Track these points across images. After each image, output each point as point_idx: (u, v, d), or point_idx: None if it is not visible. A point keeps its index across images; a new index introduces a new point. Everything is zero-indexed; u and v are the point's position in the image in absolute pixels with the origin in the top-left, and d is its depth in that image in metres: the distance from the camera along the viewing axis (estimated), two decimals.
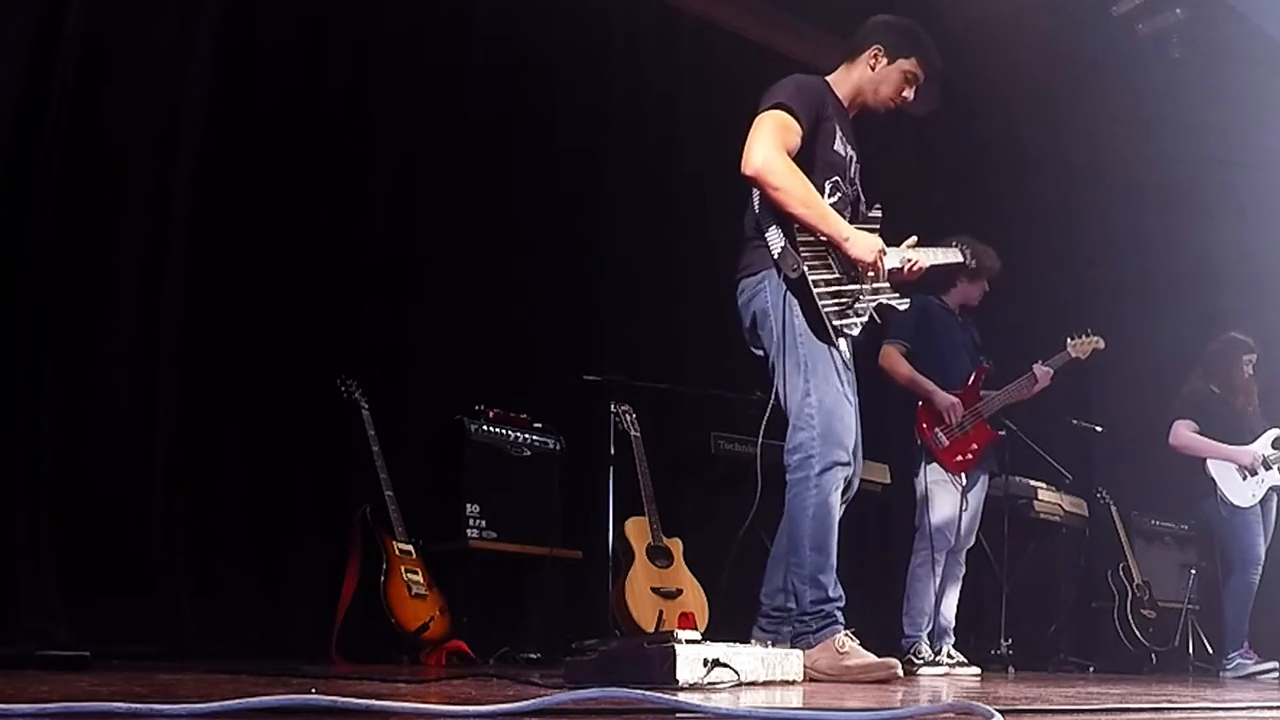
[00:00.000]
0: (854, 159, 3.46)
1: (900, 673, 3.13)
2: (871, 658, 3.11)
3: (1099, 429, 6.23)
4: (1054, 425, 5.95)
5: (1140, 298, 6.84)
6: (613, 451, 4.69)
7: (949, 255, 3.82)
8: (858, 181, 3.49)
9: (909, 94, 3.50)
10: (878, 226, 3.38)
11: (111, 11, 3.90)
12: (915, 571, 4.74)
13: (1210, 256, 6.70)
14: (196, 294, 4.14)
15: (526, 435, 4.63)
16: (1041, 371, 4.92)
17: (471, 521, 4.34)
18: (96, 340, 3.86)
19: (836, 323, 3.18)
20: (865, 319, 3.26)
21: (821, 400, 3.18)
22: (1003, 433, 4.96)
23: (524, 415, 4.66)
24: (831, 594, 3.20)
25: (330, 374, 4.34)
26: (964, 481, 4.78)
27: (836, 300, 3.20)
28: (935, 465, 4.76)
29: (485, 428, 4.51)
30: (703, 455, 5.02)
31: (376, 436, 4.23)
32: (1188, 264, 6.81)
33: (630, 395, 4.83)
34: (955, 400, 4.75)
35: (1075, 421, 6.16)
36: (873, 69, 3.48)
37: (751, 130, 3.21)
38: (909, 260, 3.42)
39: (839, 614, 3.21)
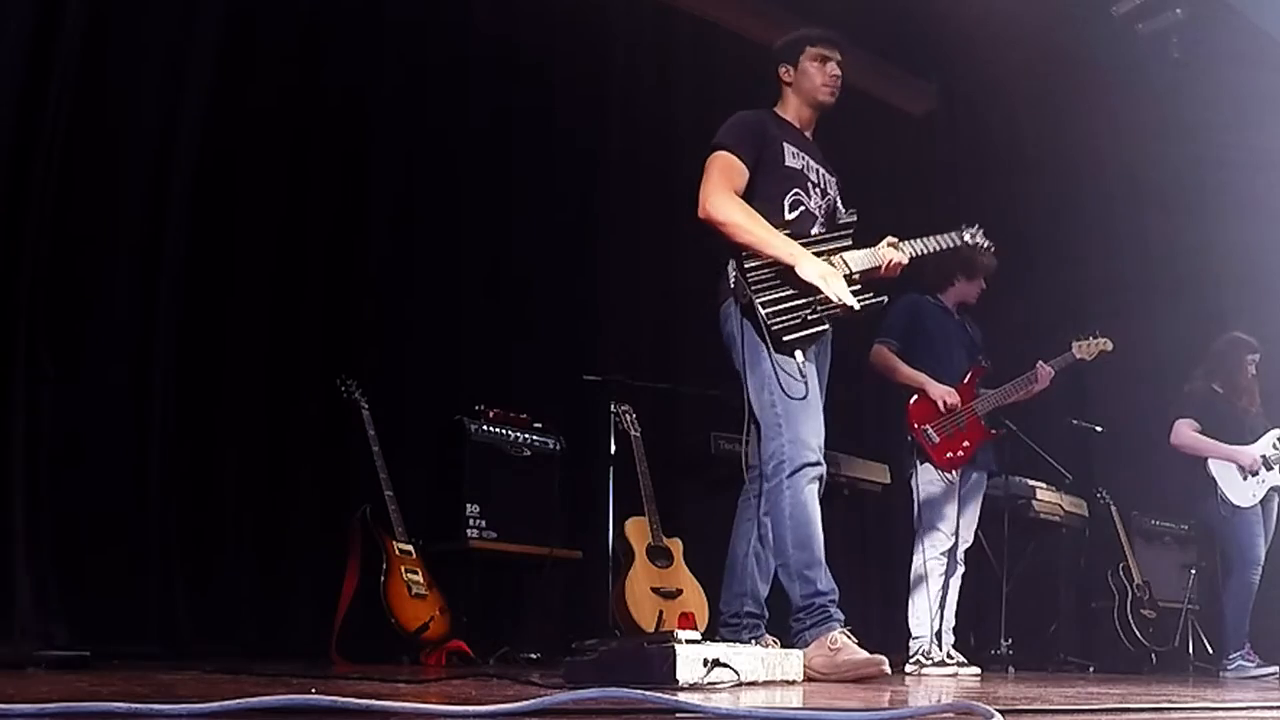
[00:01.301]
0: (819, 170, 3.68)
1: (888, 669, 3.16)
2: (861, 655, 3.15)
3: (1099, 429, 6.23)
4: (1054, 425, 5.94)
5: (1140, 297, 6.83)
6: (613, 451, 4.69)
7: (942, 242, 3.86)
8: (831, 190, 3.71)
9: (833, 69, 3.73)
10: (850, 230, 3.59)
11: (111, 11, 3.90)
12: (917, 571, 4.74)
13: (1211, 256, 6.69)
14: (196, 294, 4.14)
15: (526, 435, 4.63)
16: (1044, 371, 4.91)
17: (471, 521, 4.34)
18: (96, 340, 3.86)
19: (788, 337, 3.37)
20: (823, 328, 3.44)
21: (786, 408, 3.38)
22: (997, 431, 4.95)
23: (524, 415, 4.66)
24: (821, 588, 3.29)
25: (330, 374, 4.34)
26: (956, 479, 4.78)
27: (787, 317, 3.38)
28: (929, 464, 4.75)
29: (485, 428, 4.51)
30: (703, 455, 5.02)
31: (376, 436, 4.23)
32: (1188, 264, 6.81)
33: (630, 395, 4.83)
34: (950, 389, 4.74)
35: (1075, 421, 6.16)
36: (791, 81, 3.75)
37: (703, 176, 3.49)
38: (881, 260, 3.59)
39: (832, 608, 3.29)
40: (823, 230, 3.59)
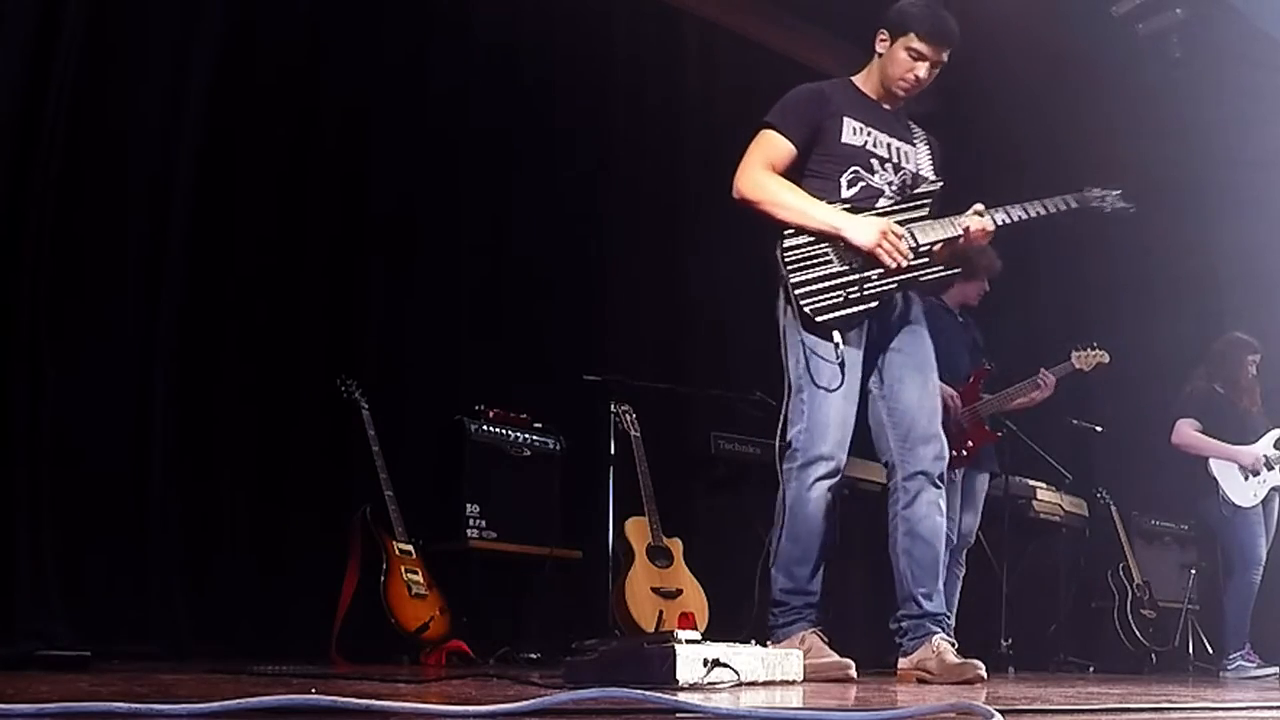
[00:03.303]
0: (892, 143, 3.44)
1: (854, 674, 3.13)
2: (828, 658, 3.13)
3: (1099, 429, 6.23)
4: (1054, 425, 5.95)
5: (1140, 298, 6.84)
6: (613, 451, 4.69)
7: (1056, 204, 3.45)
8: (910, 162, 3.46)
9: (920, 71, 3.41)
10: (928, 200, 3.36)
11: (112, 11, 3.90)
12: None
13: (1210, 256, 6.70)
14: (197, 294, 4.14)
15: (526, 435, 4.63)
16: (1047, 379, 4.92)
17: (471, 521, 4.34)
18: (97, 340, 3.85)
19: (821, 318, 3.22)
20: (869, 306, 3.25)
21: (811, 396, 3.25)
22: (1001, 434, 4.96)
23: (524, 415, 4.66)
24: (806, 586, 3.26)
25: (330, 374, 4.34)
26: (959, 479, 4.78)
27: (824, 296, 3.23)
28: None
29: (485, 428, 4.51)
30: (703, 455, 5.02)
31: (376, 436, 4.23)
32: (1188, 264, 6.82)
33: (630, 395, 4.83)
34: (954, 392, 4.74)
35: (1075, 421, 6.16)
36: (880, 55, 3.47)
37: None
38: (960, 229, 3.33)
39: (810, 610, 3.26)
40: (892, 205, 3.36)
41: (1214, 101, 6.13)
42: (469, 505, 4.36)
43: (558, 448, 4.72)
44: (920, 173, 3.48)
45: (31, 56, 3.48)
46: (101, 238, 3.91)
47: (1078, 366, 4.99)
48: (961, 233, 3.34)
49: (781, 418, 3.33)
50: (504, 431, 4.56)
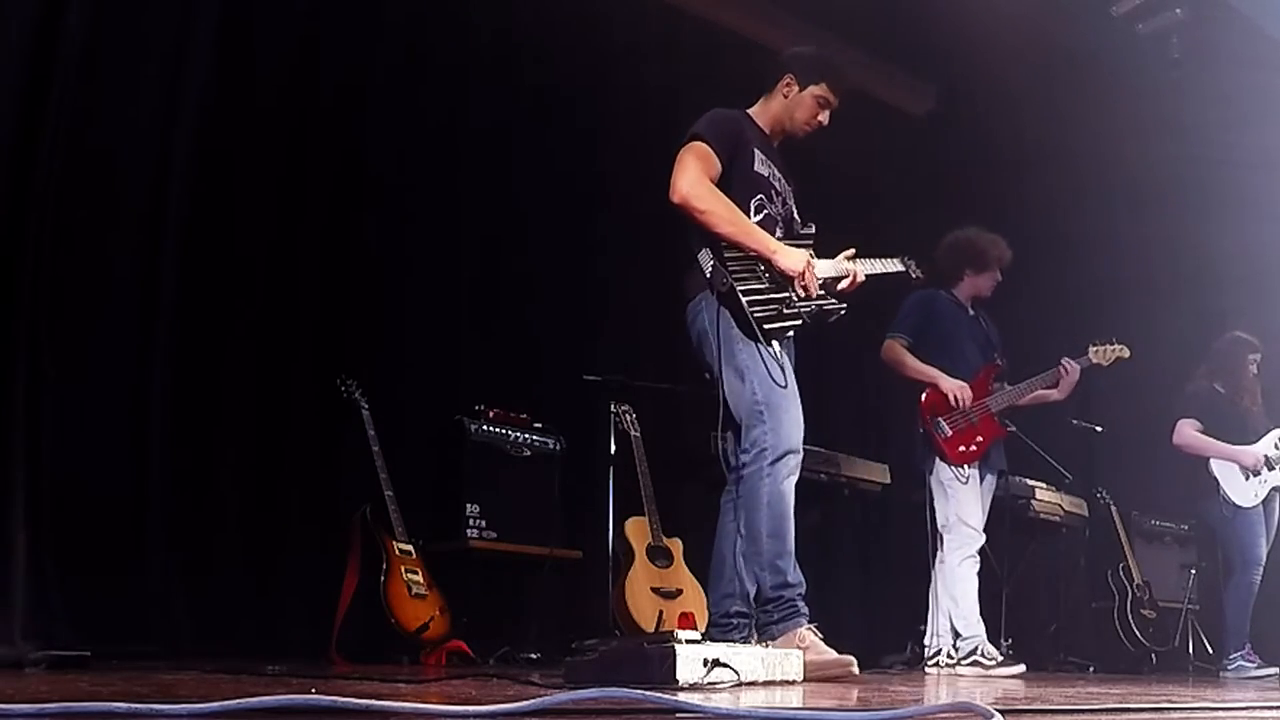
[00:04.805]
0: (780, 179, 3.68)
1: (856, 670, 3.15)
2: (830, 655, 3.15)
3: (1099, 429, 6.22)
4: (1054, 425, 5.94)
5: (1141, 297, 6.83)
6: (613, 451, 4.69)
7: (888, 266, 3.88)
8: (790, 201, 3.71)
9: (823, 118, 3.72)
10: (810, 243, 3.59)
11: (111, 11, 3.90)
12: (956, 572, 4.68)
13: (1211, 256, 6.69)
14: (196, 294, 4.14)
15: (526, 435, 4.63)
16: (1071, 367, 4.89)
17: (471, 521, 4.34)
18: (96, 340, 3.86)
19: (768, 326, 3.38)
20: (799, 322, 3.44)
21: (767, 396, 3.38)
22: (1010, 428, 4.93)
23: (524, 415, 4.66)
24: (790, 579, 3.32)
25: (330, 374, 4.35)
26: (976, 476, 4.75)
27: (765, 307, 3.39)
28: (944, 464, 4.72)
29: (485, 428, 4.52)
30: (703, 455, 5.00)
31: (376, 436, 4.23)
32: (1188, 264, 6.81)
33: (630, 395, 4.83)
34: (962, 383, 4.72)
35: (1075, 421, 6.16)
36: (786, 97, 3.72)
37: (676, 163, 3.50)
38: (845, 272, 3.60)
39: (800, 602, 3.32)
40: (782, 237, 3.59)
41: (1214, 101, 6.13)
42: (469, 505, 4.36)
43: (558, 448, 4.72)
44: (794, 212, 3.71)
45: (33, 54, 3.48)
46: (102, 238, 3.91)
47: (1095, 361, 4.95)
48: (848, 276, 3.60)
49: (721, 428, 3.48)
50: (504, 431, 4.57)
